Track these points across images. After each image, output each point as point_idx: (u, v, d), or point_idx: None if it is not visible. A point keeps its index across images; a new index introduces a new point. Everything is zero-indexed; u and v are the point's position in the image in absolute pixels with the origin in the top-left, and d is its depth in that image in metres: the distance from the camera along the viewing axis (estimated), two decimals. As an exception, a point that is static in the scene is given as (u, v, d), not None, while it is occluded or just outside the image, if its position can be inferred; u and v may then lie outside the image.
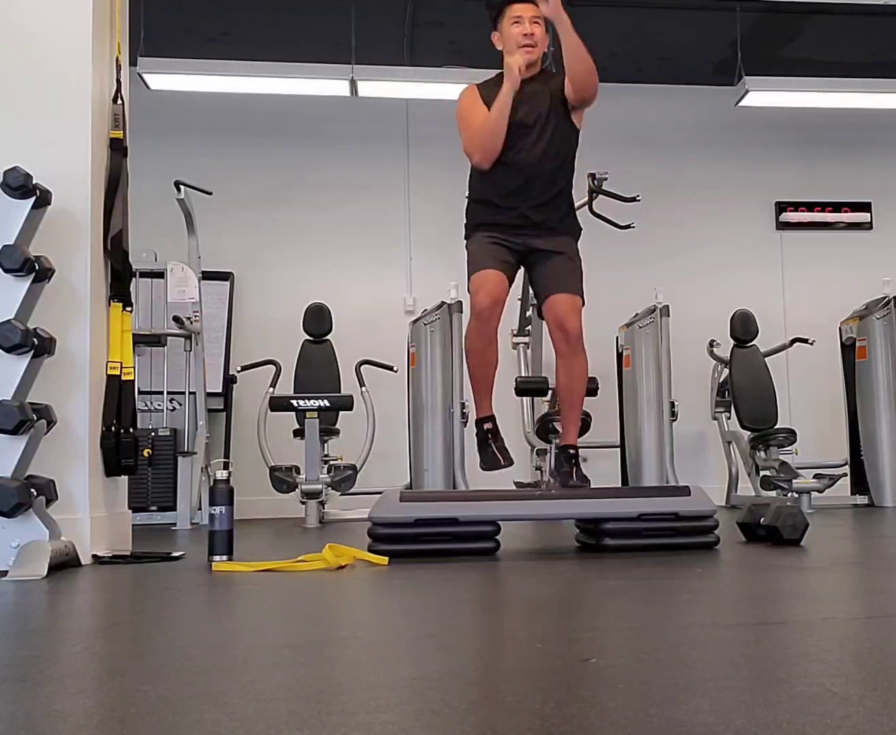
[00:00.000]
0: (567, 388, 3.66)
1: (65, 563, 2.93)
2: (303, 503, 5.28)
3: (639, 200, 4.46)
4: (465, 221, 3.75)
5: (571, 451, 3.64)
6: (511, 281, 3.66)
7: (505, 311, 3.66)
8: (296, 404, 5.40)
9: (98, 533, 3.22)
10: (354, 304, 6.93)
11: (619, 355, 6.47)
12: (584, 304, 3.61)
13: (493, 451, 3.69)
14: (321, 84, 6.45)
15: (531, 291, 4.26)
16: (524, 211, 3.60)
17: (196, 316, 5.55)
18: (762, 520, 3.24)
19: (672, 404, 6.05)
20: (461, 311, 5.33)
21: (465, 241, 3.74)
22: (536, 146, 3.57)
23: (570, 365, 3.60)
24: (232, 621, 2.09)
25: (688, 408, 6.59)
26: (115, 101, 3.54)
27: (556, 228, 3.65)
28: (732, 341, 6.42)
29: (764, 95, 6.71)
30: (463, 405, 5.33)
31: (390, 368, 6.02)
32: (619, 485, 6.09)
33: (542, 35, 3.61)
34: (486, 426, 3.72)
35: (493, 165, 3.60)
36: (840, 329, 6.56)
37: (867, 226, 7.68)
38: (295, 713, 1.14)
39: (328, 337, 6.27)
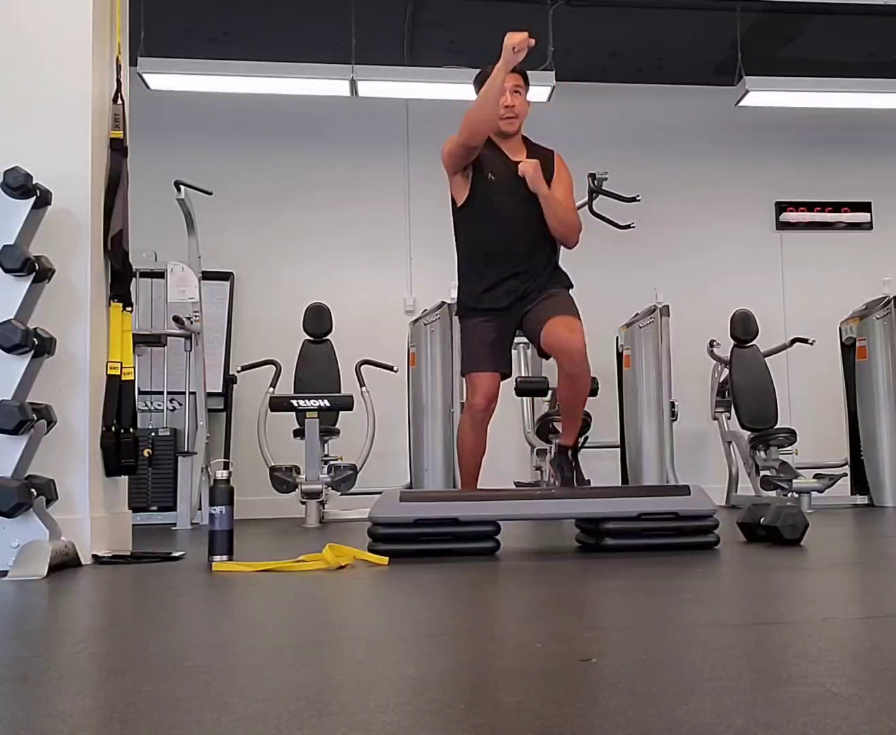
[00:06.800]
0: (570, 400, 3.67)
1: (65, 563, 2.92)
2: (303, 503, 5.27)
3: (639, 200, 4.45)
4: (457, 302, 3.80)
5: (571, 453, 3.71)
6: (508, 370, 3.72)
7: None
8: (296, 404, 5.40)
9: (98, 533, 3.22)
10: (354, 304, 6.92)
11: (619, 355, 6.48)
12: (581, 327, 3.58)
13: None
14: (321, 84, 6.44)
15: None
16: (509, 286, 3.61)
17: (196, 316, 5.54)
18: (762, 520, 3.24)
19: (672, 404, 6.06)
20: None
21: (458, 317, 3.80)
22: (514, 213, 3.59)
23: (575, 382, 3.57)
24: (232, 621, 2.09)
25: (688, 408, 6.60)
26: (115, 101, 3.54)
27: (545, 285, 3.66)
28: (732, 341, 6.41)
29: (764, 95, 6.70)
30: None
31: (390, 368, 6.02)
32: (619, 484, 6.10)
33: (523, 104, 3.63)
34: None
35: (474, 248, 3.63)
36: (840, 329, 6.56)
37: (867, 226, 7.68)
38: (295, 713, 1.14)
39: (328, 337, 6.26)
